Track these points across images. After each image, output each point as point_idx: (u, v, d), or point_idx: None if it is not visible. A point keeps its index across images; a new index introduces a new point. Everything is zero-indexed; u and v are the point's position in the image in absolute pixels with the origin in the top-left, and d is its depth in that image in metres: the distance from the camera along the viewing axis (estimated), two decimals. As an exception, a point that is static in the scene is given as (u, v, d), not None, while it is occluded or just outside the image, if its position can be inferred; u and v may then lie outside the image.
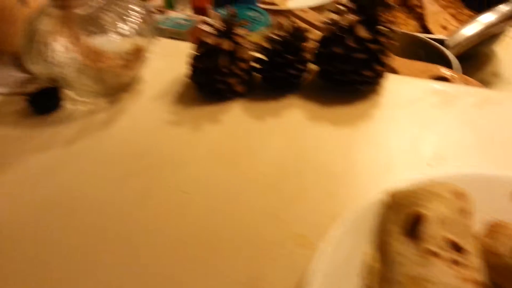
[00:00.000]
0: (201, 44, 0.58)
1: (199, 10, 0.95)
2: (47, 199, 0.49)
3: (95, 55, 0.60)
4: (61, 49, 0.58)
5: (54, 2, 0.57)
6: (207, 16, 0.90)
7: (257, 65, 0.61)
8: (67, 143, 0.56)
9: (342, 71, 0.56)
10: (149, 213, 0.47)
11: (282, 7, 1.06)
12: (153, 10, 0.93)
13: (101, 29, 0.58)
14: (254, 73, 0.62)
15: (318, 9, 1.02)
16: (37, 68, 0.59)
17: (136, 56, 0.61)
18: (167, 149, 0.54)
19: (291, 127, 0.56)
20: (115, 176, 0.51)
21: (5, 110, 0.62)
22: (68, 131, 0.58)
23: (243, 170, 0.51)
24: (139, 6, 0.61)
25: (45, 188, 0.51)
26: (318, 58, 0.59)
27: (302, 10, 0.92)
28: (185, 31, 0.87)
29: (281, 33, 0.58)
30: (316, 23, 0.87)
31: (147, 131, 0.57)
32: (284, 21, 0.59)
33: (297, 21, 0.83)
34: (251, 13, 0.81)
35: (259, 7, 0.87)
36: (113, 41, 0.59)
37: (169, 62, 0.66)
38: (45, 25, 0.58)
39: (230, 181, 0.49)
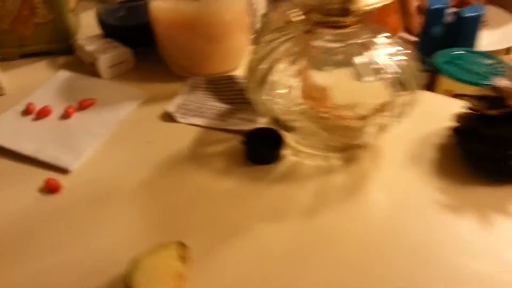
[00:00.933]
0: (497, 102, 0.43)
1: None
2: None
3: (331, 100, 0.46)
4: (291, 85, 0.44)
5: (303, 26, 0.44)
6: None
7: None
8: (304, 213, 0.42)
9: None
10: None
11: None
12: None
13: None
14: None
15: None
16: (259, 101, 0.46)
17: (387, 107, 0.46)
18: (448, 246, 0.39)
19: None
20: (391, 276, 0.36)
21: (215, 149, 0.50)
22: (300, 194, 0.44)
23: None
24: (401, 48, 0.46)
25: (289, 272, 0.37)
26: None
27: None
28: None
29: None
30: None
31: (412, 211, 0.42)
32: None
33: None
34: (485, 60, 0.65)
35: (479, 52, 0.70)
36: (362, 86, 0.45)
37: (416, 115, 0.51)
38: (283, 51, 0.45)
39: None
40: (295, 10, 0.44)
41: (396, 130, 0.48)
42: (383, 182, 0.45)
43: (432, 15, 0.71)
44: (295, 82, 0.44)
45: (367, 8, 0.41)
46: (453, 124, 0.48)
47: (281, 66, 0.44)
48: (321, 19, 0.42)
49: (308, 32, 0.45)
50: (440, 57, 0.64)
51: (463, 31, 0.69)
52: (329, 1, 0.40)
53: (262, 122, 0.51)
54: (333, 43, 0.45)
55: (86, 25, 0.73)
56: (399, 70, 0.44)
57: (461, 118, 0.47)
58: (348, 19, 0.42)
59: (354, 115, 0.45)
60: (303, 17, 0.43)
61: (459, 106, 0.47)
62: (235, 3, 0.59)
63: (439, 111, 0.51)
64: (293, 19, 0.44)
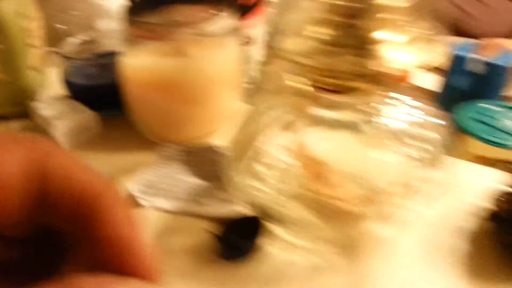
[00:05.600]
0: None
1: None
2: None
3: (328, 178, 0.36)
4: (285, 161, 0.35)
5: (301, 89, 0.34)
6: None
7: None
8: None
9: None
10: None
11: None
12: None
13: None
14: None
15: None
16: (240, 183, 0.36)
17: (405, 186, 0.36)
18: None
19: None
20: None
21: (182, 242, 0.39)
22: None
23: None
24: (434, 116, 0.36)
25: None
26: None
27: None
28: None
29: None
30: None
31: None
32: None
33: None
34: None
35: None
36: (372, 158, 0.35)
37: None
38: (274, 120, 0.35)
39: None
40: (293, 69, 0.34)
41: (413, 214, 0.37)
42: (396, 284, 0.35)
43: (456, 63, 0.61)
44: (289, 159, 0.35)
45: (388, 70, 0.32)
46: (490, 207, 0.37)
47: (271, 139, 0.35)
48: (324, 82, 0.33)
49: (305, 97, 0.35)
50: (464, 112, 0.54)
51: (493, 81, 0.60)
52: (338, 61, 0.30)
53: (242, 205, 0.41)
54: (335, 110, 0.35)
55: (56, 84, 0.65)
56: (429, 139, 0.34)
57: (502, 200, 0.36)
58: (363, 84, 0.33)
59: (361, 196, 0.35)
60: (302, 79, 0.34)
61: (496, 181, 0.37)
62: (225, 57, 0.50)
63: (469, 186, 0.41)
64: (289, 82, 0.35)
